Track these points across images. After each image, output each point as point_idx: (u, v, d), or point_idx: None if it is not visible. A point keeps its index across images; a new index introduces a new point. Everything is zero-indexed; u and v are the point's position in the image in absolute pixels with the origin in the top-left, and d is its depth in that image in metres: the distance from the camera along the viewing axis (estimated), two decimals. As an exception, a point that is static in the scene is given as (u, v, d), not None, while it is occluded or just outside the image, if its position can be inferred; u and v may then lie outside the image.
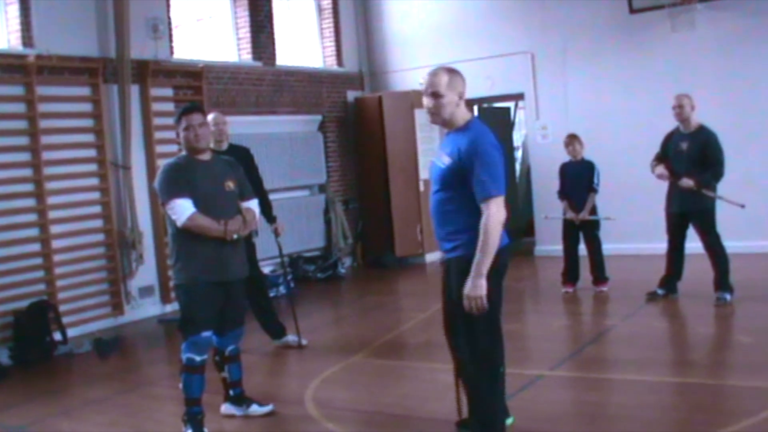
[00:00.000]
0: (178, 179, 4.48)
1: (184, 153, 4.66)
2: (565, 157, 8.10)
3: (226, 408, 4.94)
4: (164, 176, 4.53)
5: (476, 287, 3.63)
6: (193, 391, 4.55)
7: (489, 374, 3.85)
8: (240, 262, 4.70)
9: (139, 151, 8.33)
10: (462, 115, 3.81)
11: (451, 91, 3.74)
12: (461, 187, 3.71)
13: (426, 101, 3.79)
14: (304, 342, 6.57)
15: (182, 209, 4.42)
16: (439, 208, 3.85)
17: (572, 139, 8.03)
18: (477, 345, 3.82)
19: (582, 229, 7.92)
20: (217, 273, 4.51)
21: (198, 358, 4.53)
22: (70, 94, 7.81)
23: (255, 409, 4.89)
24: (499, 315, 3.86)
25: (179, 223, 4.44)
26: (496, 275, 3.73)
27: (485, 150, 3.67)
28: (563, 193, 8.02)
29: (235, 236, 4.53)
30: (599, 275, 7.94)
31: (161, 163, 4.75)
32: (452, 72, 3.79)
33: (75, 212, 7.79)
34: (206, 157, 4.63)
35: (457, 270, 3.79)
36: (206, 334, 4.53)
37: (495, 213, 3.62)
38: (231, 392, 4.91)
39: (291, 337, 6.58)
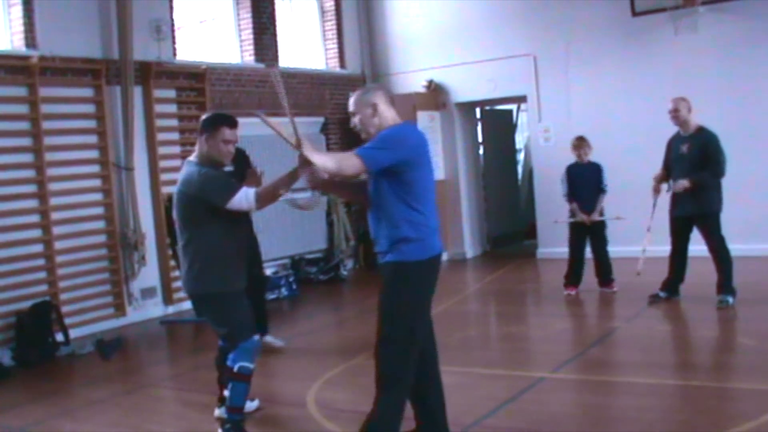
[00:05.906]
0: (225, 177, 4.44)
1: (203, 165, 4.43)
2: (569, 159, 8.06)
3: (221, 412, 4.83)
4: (213, 180, 4.35)
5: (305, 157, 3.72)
6: (241, 400, 4.47)
7: (390, 400, 3.77)
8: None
9: (141, 152, 8.34)
10: (388, 123, 3.82)
11: (362, 107, 3.81)
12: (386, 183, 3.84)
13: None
14: (280, 343, 6.52)
15: (247, 196, 4.29)
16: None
17: (582, 142, 7.99)
18: (382, 365, 3.75)
19: (591, 231, 7.91)
20: (240, 281, 4.50)
21: (252, 366, 4.45)
22: (73, 95, 7.82)
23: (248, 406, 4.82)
24: (415, 333, 3.74)
25: (256, 208, 4.35)
26: (412, 284, 3.70)
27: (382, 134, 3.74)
28: (571, 195, 7.98)
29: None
30: (606, 276, 7.93)
31: (183, 164, 4.57)
32: (364, 89, 3.92)
33: (77, 213, 7.80)
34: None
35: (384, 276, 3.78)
36: (256, 337, 4.51)
37: (344, 158, 3.70)
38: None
39: (269, 338, 6.47)
